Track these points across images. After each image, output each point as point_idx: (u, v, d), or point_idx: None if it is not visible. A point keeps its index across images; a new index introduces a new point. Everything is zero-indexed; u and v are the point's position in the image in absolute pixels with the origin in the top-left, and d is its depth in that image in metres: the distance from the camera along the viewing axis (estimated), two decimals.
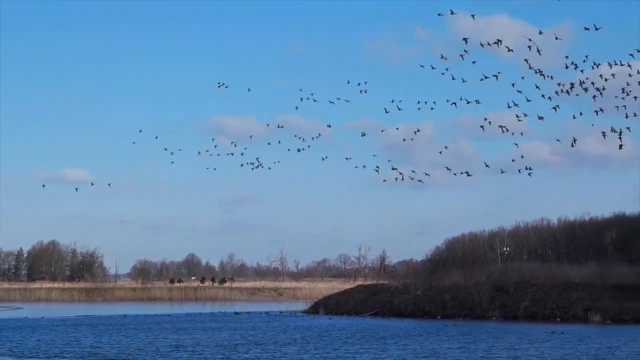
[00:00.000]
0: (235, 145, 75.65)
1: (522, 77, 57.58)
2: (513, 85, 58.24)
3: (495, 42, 52.72)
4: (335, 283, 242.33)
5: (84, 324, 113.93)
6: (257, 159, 73.94)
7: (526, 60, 54.51)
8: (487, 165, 65.82)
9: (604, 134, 55.25)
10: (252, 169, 73.11)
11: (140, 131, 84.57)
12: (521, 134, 64.04)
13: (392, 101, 66.08)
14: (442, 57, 59.41)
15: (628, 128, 54.13)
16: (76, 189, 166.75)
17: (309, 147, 74.26)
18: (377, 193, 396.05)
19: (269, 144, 79.96)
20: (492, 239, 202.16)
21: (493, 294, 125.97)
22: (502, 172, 67.28)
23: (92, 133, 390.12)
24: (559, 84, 55.57)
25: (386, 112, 65.77)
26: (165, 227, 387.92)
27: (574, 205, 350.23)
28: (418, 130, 71.21)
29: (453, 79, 59.54)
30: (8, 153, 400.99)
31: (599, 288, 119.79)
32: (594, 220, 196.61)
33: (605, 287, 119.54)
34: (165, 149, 79.51)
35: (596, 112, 55.62)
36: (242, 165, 73.32)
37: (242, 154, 74.14)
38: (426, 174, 70.70)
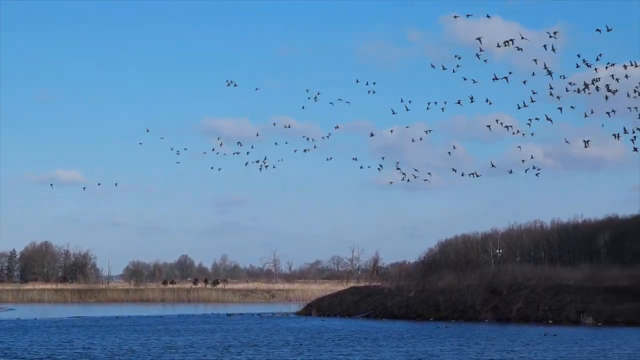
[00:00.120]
0: (241, 145, 76.92)
1: (533, 74, 57.61)
2: (524, 82, 58.34)
3: (506, 42, 52.80)
4: (328, 285, 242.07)
5: (76, 325, 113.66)
6: (265, 158, 75.10)
7: (535, 60, 54.66)
8: (493, 166, 66.50)
9: (617, 135, 55.38)
10: (260, 168, 74.30)
11: (148, 130, 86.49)
12: (525, 134, 63.99)
13: (402, 101, 66.17)
14: (456, 56, 59.56)
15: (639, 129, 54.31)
16: (84, 188, 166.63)
17: (314, 147, 75.03)
18: (370, 195, 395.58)
19: (276, 144, 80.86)
20: (485, 241, 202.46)
21: (486, 296, 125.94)
22: (510, 172, 67.71)
23: (85, 134, 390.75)
24: (570, 83, 55.64)
25: (393, 112, 65.85)
26: (158, 229, 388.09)
27: (567, 207, 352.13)
28: (429, 131, 71.40)
29: (464, 79, 59.66)
30: (0, 154, 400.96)
31: (592, 290, 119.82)
32: (587, 223, 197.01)
33: (598, 289, 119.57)
34: (172, 149, 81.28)
35: (608, 113, 55.58)
36: (246, 163, 75.03)
37: (247, 153, 75.76)
38: (429, 173, 71.14)
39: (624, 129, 55.32)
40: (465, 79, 59.87)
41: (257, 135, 78.29)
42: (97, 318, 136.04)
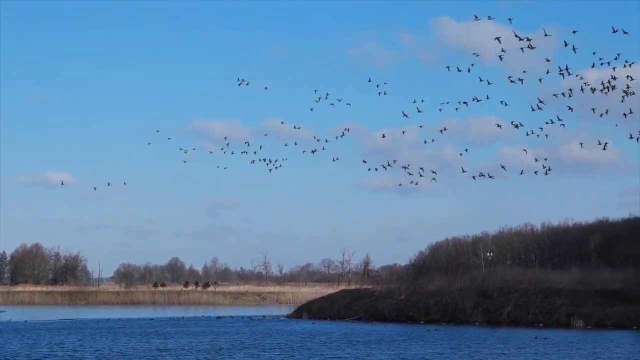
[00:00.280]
0: (249, 145, 77.90)
1: (547, 71, 57.53)
2: (540, 80, 58.34)
3: (525, 39, 52.84)
4: (319, 288, 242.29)
5: (67, 328, 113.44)
6: (276, 160, 75.82)
7: (548, 59, 54.70)
8: (503, 167, 66.84)
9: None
10: (270, 170, 75.09)
11: (158, 131, 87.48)
12: (536, 131, 63.84)
13: (414, 101, 66.11)
14: (474, 54, 59.46)
15: None
16: (94, 188, 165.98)
17: (323, 149, 75.33)
18: (360, 198, 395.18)
19: (285, 145, 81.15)
20: (476, 244, 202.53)
21: (476, 299, 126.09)
22: (521, 173, 68.18)
23: (76, 136, 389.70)
24: (585, 84, 55.58)
25: (404, 115, 65.71)
26: (148, 231, 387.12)
27: (558, 210, 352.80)
28: (445, 129, 71.37)
29: (480, 80, 59.63)
30: None
31: (583, 293, 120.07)
32: (578, 226, 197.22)
33: (589, 292, 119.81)
34: (180, 149, 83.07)
35: (625, 114, 55.50)
36: (252, 161, 76.12)
37: (255, 152, 76.71)
38: (433, 172, 71.25)
39: (630, 135, 55.38)
40: (481, 80, 59.80)
41: (247, 143, 78.47)
42: (88, 320, 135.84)
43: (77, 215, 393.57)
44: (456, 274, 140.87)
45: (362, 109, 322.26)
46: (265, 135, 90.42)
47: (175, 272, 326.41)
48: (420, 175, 69.85)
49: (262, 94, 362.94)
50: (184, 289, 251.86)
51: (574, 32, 54.16)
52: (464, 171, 71.10)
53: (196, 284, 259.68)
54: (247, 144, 79.17)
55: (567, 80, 54.39)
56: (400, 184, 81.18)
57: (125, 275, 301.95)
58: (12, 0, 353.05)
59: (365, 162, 79.82)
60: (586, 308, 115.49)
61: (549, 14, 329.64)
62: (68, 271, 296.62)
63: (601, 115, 57.01)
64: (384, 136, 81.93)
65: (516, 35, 52.89)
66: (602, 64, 53.70)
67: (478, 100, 61.61)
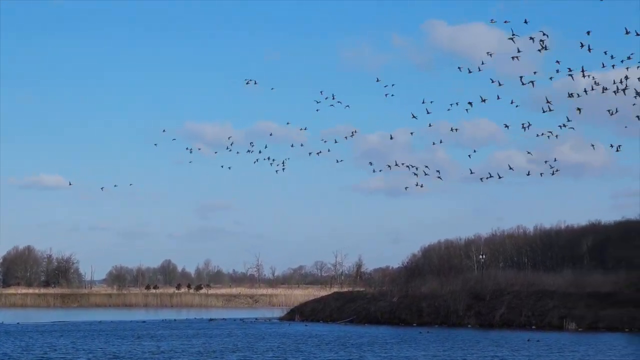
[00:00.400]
0: (253, 145, 78.88)
1: (551, 78, 57.69)
2: (552, 78, 58.29)
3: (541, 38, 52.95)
4: (312, 290, 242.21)
5: (59, 330, 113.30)
6: (282, 161, 76.52)
7: (558, 61, 54.75)
8: (511, 168, 67.18)
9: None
10: (277, 171, 75.81)
11: (164, 131, 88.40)
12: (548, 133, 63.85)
13: (423, 102, 66.19)
14: (488, 53, 59.50)
15: None
16: (102, 188, 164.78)
17: (328, 151, 75.91)
18: (353, 200, 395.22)
19: (292, 146, 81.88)
20: (468, 246, 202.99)
21: (469, 302, 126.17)
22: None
23: (68, 139, 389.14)
24: (596, 83, 55.65)
25: (413, 116, 65.91)
26: (141, 233, 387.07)
27: (550, 213, 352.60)
28: (456, 129, 71.66)
29: (492, 81, 59.76)
30: None
31: (575, 296, 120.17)
32: (570, 229, 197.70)
33: (581, 295, 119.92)
34: (187, 148, 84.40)
35: (638, 117, 55.55)
36: (255, 161, 77.26)
37: (260, 152, 77.88)
38: (438, 171, 71.49)
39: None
40: (492, 81, 59.95)
41: (251, 144, 79.78)
42: (80, 323, 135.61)
43: (69, 217, 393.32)
44: (449, 276, 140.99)
45: (354, 111, 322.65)
46: (271, 134, 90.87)
47: (167, 274, 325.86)
48: (425, 174, 70.12)
49: (254, 95, 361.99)
50: (176, 291, 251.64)
51: (588, 32, 54.19)
52: (472, 172, 71.43)
53: (188, 287, 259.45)
54: (251, 144, 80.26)
55: (560, 82, 54.57)
56: (406, 187, 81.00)
57: (118, 277, 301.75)
58: (12, 0, 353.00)
59: (371, 163, 79.81)
60: (578, 310, 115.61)
61: (538, 16, 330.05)
62: (60, 273, 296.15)
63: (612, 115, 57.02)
64: (391, 138, 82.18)
65: (513, 34, 52.98)
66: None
67: (484, 100, 61.73)
